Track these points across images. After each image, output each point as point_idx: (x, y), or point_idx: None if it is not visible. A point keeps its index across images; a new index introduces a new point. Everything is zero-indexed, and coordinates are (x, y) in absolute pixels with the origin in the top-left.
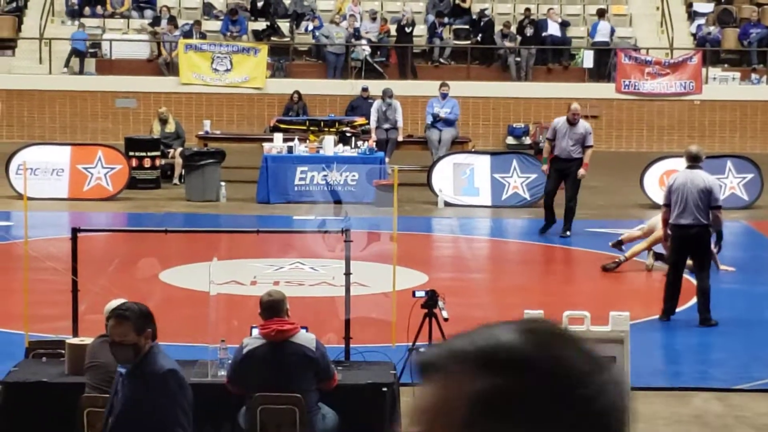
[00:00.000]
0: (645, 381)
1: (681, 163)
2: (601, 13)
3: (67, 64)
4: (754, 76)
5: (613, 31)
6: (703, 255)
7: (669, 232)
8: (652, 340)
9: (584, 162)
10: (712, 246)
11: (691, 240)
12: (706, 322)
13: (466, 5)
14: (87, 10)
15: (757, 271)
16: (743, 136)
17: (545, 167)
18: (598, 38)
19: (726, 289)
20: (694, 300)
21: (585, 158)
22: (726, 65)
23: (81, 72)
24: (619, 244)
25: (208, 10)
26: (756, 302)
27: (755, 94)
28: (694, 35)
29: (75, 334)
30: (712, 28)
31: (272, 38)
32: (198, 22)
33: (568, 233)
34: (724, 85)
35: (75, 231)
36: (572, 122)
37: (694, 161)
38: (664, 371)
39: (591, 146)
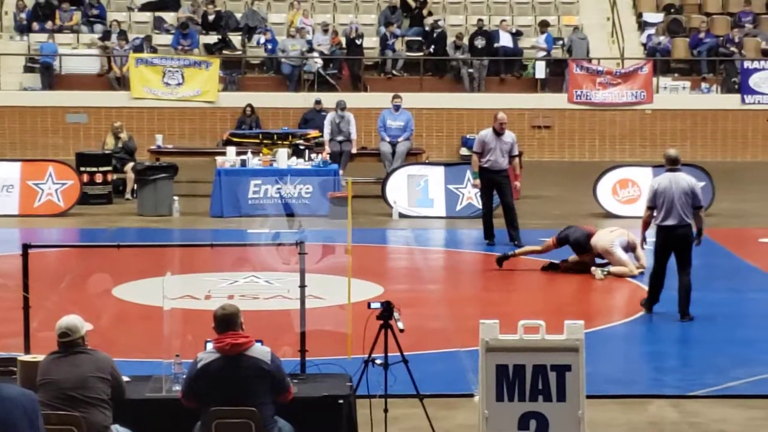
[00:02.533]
0: (600, 389)
1: (633, 171)
2: (544, 24)
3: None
4: (704, 85)
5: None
6: (686, 253)
7: (645, 236)
8: (606, 348)
9: (517, 174)
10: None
11: (677, 239)
12: (685, 316)
13: (415, 11)
14: (35, 25)
15: (710, 278)
16: (694, 145)
17: (476, 181)
18: (547, 49)
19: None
20: (643, 312)
21: (516, 169)
22: (676, 75)
23: (51, 87)
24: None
25: (158, 24)
26: (709, 310)
27: (705, 103)
28: (644, 45)
29: (27, 351)
30: (662, 38)
31: (224, 51)
32: (149, 37)
33: (520, 242)
34: (674, 95)
35: (26, 247)
36: (499, 132)
37: (674, 164)
38: (619, 379)
39: (518, 155)
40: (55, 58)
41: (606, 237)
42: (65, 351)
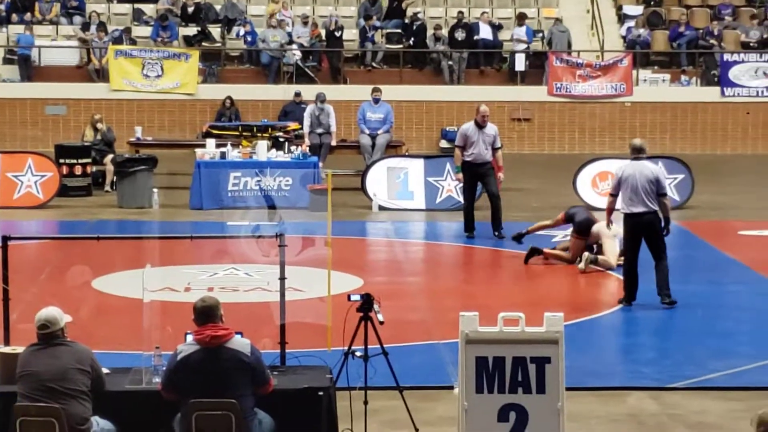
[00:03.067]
0: (580, 381)
1: (613, 164)
2: (524, 17)
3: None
4: (683, 77)
5: (537, 32)
6: (657, 239)
7: (611, 219)
8: (586, 340)
9: (500, 166)
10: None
11: (644, 226)
12: (666, 298)
13: (395, 4)
14: (14, 16)
15: (689, 270)
16: (673, 138)
17: (459, 175)
18: (527, 41)
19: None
20: (621, 305)
21: (499, 161)
22: (656, 67)
23: (30, 78)
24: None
25: (138, 16)
26: (688, 301)
27: (685, 95)
28: (624, 38)
29: (6, 343)
30: (641, 31)
31: (203, 43)
32: (128, 28)
33: (502, 233)
34: (654, 87)
35: (5, 239)
36: (482, 125)
37: (638, 153)
38: (598, 371)
39: (500, 147)
40: (33, 50)
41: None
42: (45, 343)
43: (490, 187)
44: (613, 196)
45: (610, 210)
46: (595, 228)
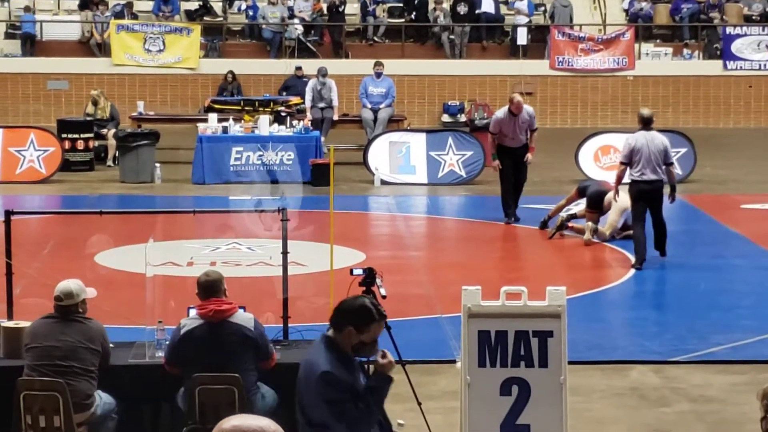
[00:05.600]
0: (582, 355)
1: (615, 138)
2: None
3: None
4: (686, 51)
5: (539, 6)
6: (659, 205)
7: (618, 189)
8: (588, 314)
9: (531, 146)
10: (666, 198)
11: (653, 193)
12: (665, 254)
13: None
14: None
15: (692, 244)
16: (676, 111)
17: (496, 162)
18: (529, 15)
19: (661, 261)
20: (629, 275)
21: (532, 142)
22: (658, 41)
23: (32, 54)
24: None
25: None
26: (690, 275)
27: (687, 69)
28: (626, 11)
29: (10, 317)
30: (644, 4)
31: (205, 18)
32: (130, 3)
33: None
34: (656, 61)
35: (8, 213)
36: (515, 113)
37: (647, 123)
38: (600, 345)
39: (536, 129)
40: (35, 27)
41: (624, 199)
42: (59, 317)
43: (520, 175)
44: (625, 164)
45: (620, 179)
46: (607, 198)
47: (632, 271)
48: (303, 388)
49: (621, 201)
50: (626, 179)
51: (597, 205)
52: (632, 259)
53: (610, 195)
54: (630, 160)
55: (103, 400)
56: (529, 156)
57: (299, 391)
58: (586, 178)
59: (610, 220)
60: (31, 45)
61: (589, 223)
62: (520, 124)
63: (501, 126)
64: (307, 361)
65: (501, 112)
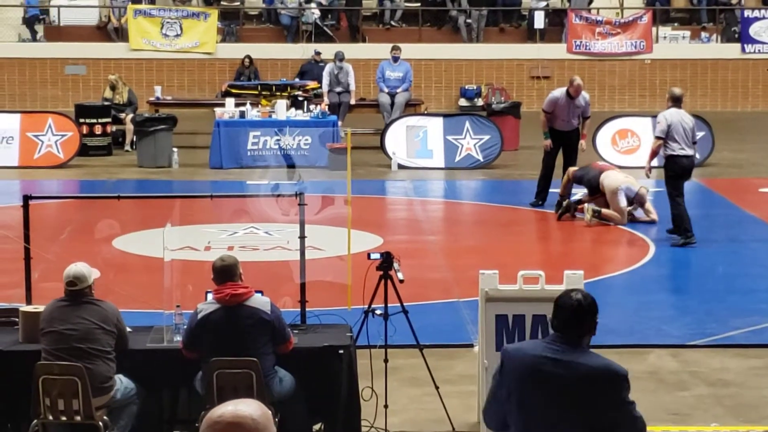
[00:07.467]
0: (600, 339)
1: (633, 122)
2: None
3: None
4: (704, 34)
5: None
6: (687, 180)
7: (651, 165)
8: (605, 298)
9: (583, 133)
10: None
11: (688, 169)
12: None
13: None
14: None
15: (710, 228)
16: (693, 95)
17: (547, 142)
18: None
19: (679, 245)
20: (646, 259)
21: (584, 129)
22: (676, 24)
23: (34, 39)
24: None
25: None
26: (708, 258)
27: (705, 52)
28: None
29: (28, 302)
30: None
31: (222, 2)
32: None
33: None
34: (674, 44)
35: (26, 198)
36: (573, 96)
37: (678, 101)
38: (618, 329)
39: (589, 117)
40: (51, 10)
41: (615, 177)
42: (71, 300)
43: (569, 160)
44: (661, 140)
45: (655, 153)
46: (602, 176)
47: (650, 254)
48: (590, 389)
49: (610, 181)
50: (615, 159)
51: (596, 189)
52: (649, 242)
53: (603, 177)
54: (666, 134)
55: (123, 384)
56: (582, 143)
57: (582, 393)
58: (578, 168)
59: (614, 207)
60: (40, 29)
61: (587, 205)
62: (574, 108)
63: (556, 106)
64: (585, 364)
65: (558, 92)
